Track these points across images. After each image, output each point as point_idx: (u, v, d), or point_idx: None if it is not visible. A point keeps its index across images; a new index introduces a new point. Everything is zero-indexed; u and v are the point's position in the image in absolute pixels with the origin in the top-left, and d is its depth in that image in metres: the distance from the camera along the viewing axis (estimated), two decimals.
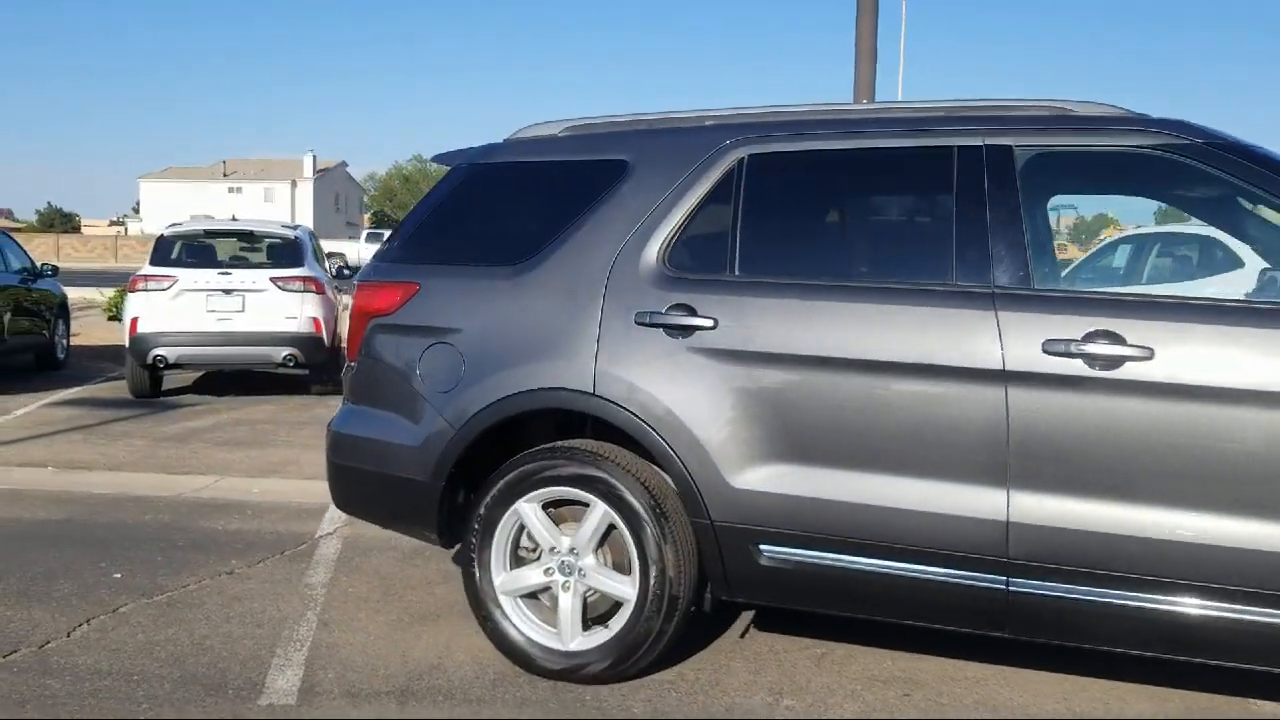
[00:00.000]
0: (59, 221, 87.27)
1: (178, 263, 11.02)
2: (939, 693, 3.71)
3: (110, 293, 17.17)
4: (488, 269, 3.94)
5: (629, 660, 3.64)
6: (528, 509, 3.76)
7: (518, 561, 3.85)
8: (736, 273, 3.62)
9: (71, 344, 14.01)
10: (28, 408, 10.18)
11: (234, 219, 12.43)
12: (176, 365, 10.71)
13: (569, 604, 3.72)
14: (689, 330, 3.57)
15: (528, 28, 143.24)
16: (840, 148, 3.64)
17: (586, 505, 3.71)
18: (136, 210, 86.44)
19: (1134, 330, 3.11)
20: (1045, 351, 3.17)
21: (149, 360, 10.47)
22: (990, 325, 3.23)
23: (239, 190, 78.19)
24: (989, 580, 3.25)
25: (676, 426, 3.54)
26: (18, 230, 57.61)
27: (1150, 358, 3.08)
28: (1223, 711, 3.64)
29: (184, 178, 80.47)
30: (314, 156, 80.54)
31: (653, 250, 3.71)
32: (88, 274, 31.50)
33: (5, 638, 4.11)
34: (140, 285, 10.65)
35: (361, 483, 4.20)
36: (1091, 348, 3.13)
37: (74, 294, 15.26)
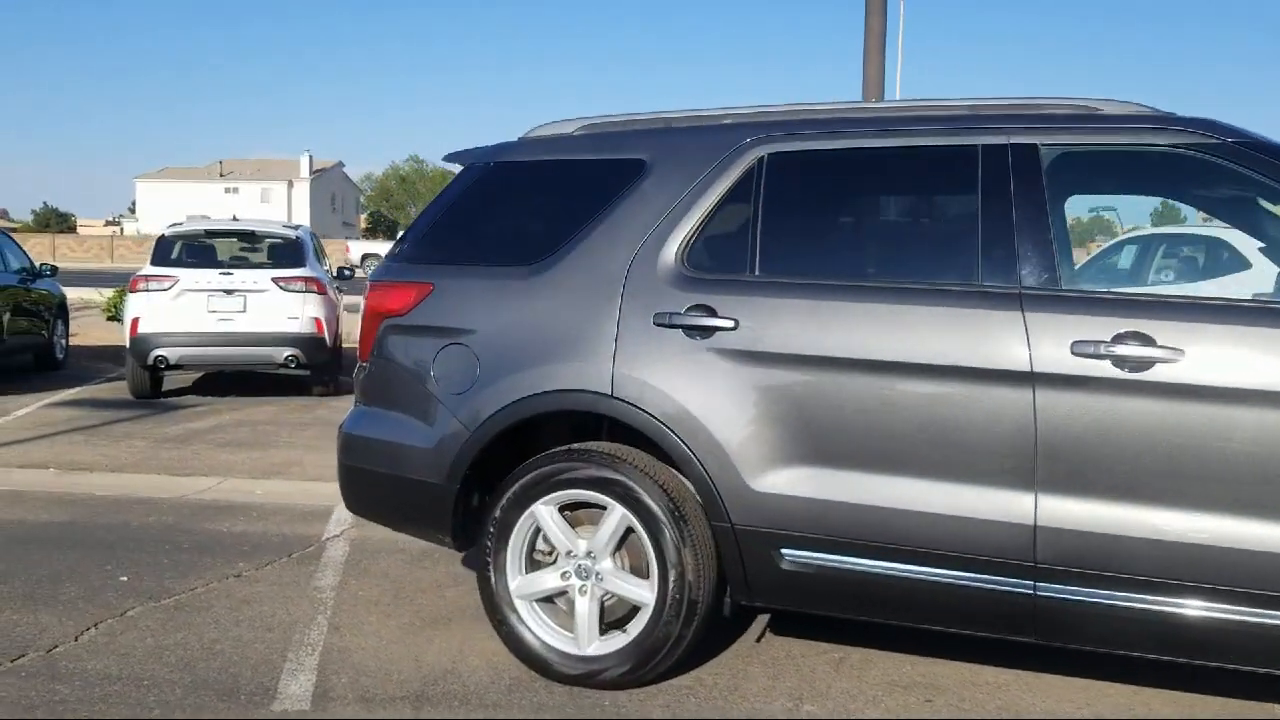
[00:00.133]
0: (55, 221, 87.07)
1: (178, 263, 10.96)
2: (960, 698, 3.67)
3: (109, 293, 17.10)
4: (503, 269, 3.89)
5: (648, 665, 3.59)
6: (544, 512, 3.71)
7: (533, 565, 3.81)
8: (757, 273, 3.57)
9: (70, 344, 13.94)
10: (28, 408, 10.12)
11: (235, 219, 12.37)
12: (177, 366, 10.65)
13: (586, 608, 3.67)
14: (709, 331, 3.52)
15: (526, 28, 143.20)
16: (862, 146, 3.59)
17: (604, 508, 3.66)
18: (133, 210, 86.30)
19: (1164, 331, 3.07)
20: (1074, 353, 3.13)
21: (150, 361, 10.41)
22: (1018, 326, 3.19)
23: (235, 190, 78.08)
24: (1015, 585, 3.20)
25: (696, 429, 3.49)
26: (13, 230, 57.40)
27: (1181, 359, 3.04)
28: (1246, 716, 3.60)
29: (180, 178, 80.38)
30: (310, 157, 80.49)
31: (671, 250, 3.66)
32: (84, 274, 31.42)
33: (12, 642, 4.05)
34: (141, 285, 10.58)
35: (373, 485, 4.15)
36: (1121, 349, 3.09)
37: (71, 294, 15.18)
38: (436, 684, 3.73)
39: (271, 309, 10.55)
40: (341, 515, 6.14)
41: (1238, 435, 3.01)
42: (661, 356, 3.56)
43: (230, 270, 10.79)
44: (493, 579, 3.78)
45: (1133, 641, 3.16)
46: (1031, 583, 3.18)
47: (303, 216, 70.01)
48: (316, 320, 10.70)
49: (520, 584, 3.77)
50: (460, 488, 3.83)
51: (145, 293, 10.52)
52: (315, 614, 4.44)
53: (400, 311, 4.00)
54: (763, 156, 3.66)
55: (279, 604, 4.57)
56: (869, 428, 3.34)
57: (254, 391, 11.46)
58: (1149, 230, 9.05)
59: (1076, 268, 5.54)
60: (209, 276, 10.60)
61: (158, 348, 10.37)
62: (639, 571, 3.65)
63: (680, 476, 3.63)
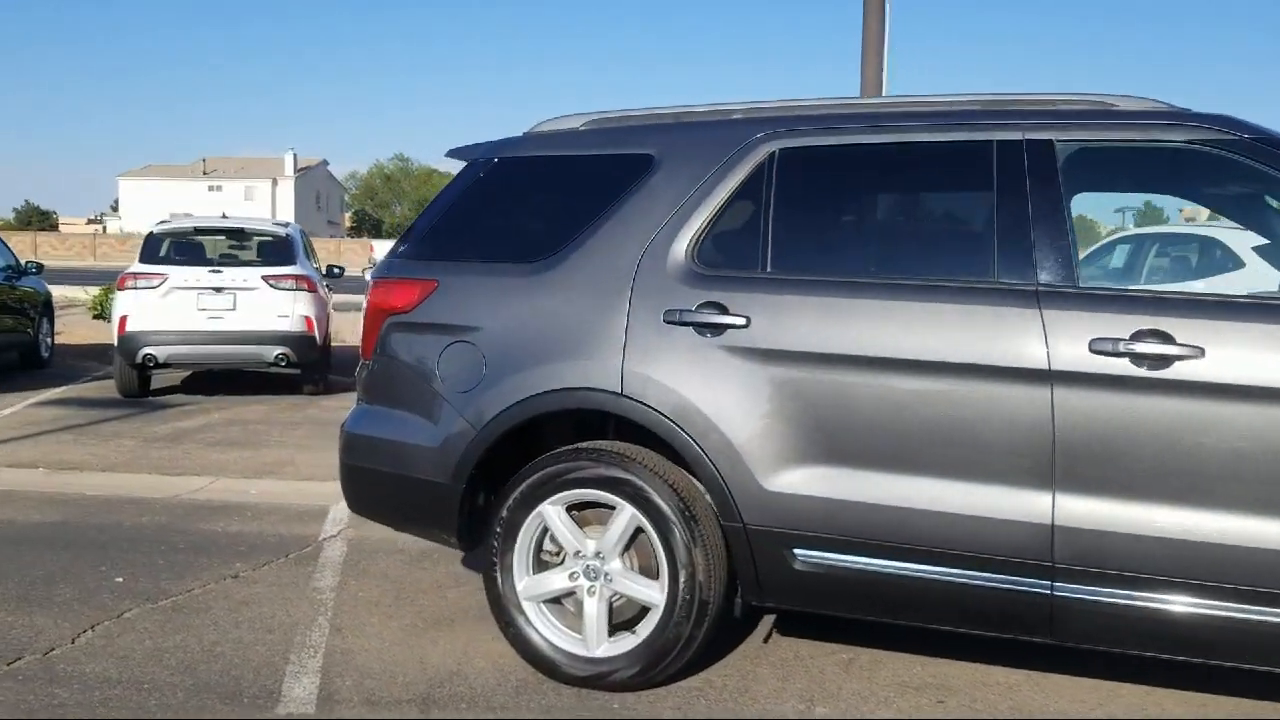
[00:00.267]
0: (36, 219, 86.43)
1: (167, 260, 10.86)
2: (972, 699, 3.64)
3: (94, 291, 16.95)
4: (509, 265, 3.84)
5: (658, 666, 3.55)
6: (552, 512, 3.67)
7: (540, 566, 3.76)
8: (769, 269, 3.53)
9: (55, 343, 13.80)
10: (14, 407, 10.00)
11: (224, 216, 12.26)
12: (166, 365, 10.54)
13: (595, 609, 3.62)
14: (720, 329, 3.48)
15: (517, 27, 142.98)
16: (873, 142, 3.55)
17: (612, 508, 3.62)
18: (115, 208, 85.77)
19: (1183, 329, 3.04)
20: (1092, 351, 3.10)
21: (138, 359, 10.31)
22: (1035, 324, 3.15)
23: (219, 188, 77.67)
24: (1032, 585, 3.17)
25: (707, 427, 3.45)
26: None
27: (1200, 357, 3.01)
28: (1259, 716, 3.58)
29: (164, 175, 79.93)
30: (295, 155, 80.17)
31: (681, 247, 3.61)
32: (66, 272, 31.14)
33: (8, 644, 3.98)
34: (129, 283, 10.47)
35: (376, 484, 4.09)
36: (1140, 347, 3.06)
37: (55, 292, 15.00)
38: (442, 686, 3.68)
39: (262, 307, 10.45)
40: (338, 515, 6.09)
41: (1259, 434, 2.98)
42: (672, 354, 3.52)
43: (220, 268, 10.68)
44: (499, 580, 3.73)
45: (1151, 642, 3.13)
46: (1049, 583, 3.15)
47: (287, 215, 69.67)
48: (307, 319, 10.60)
49: (527, 585, 3.72)
50: (466, 487, 3.77)
51: (134, 290, 10.41)
52: (316, 615, 4.38)
53: (404, 309, 3.94)
54: (774, 152, 3.62)
55: (278, 605, 4.50)
56: (883, 426, 3.31)
57: (243, 390, 11.37)
58: (1141, 230, 9.06)
59: None
60: (198, 274, 10.50)
61: (146, 346, 10.26)
62: (648, 572, 3.60)
63: (689, 476, 3.59)
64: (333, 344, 11.73)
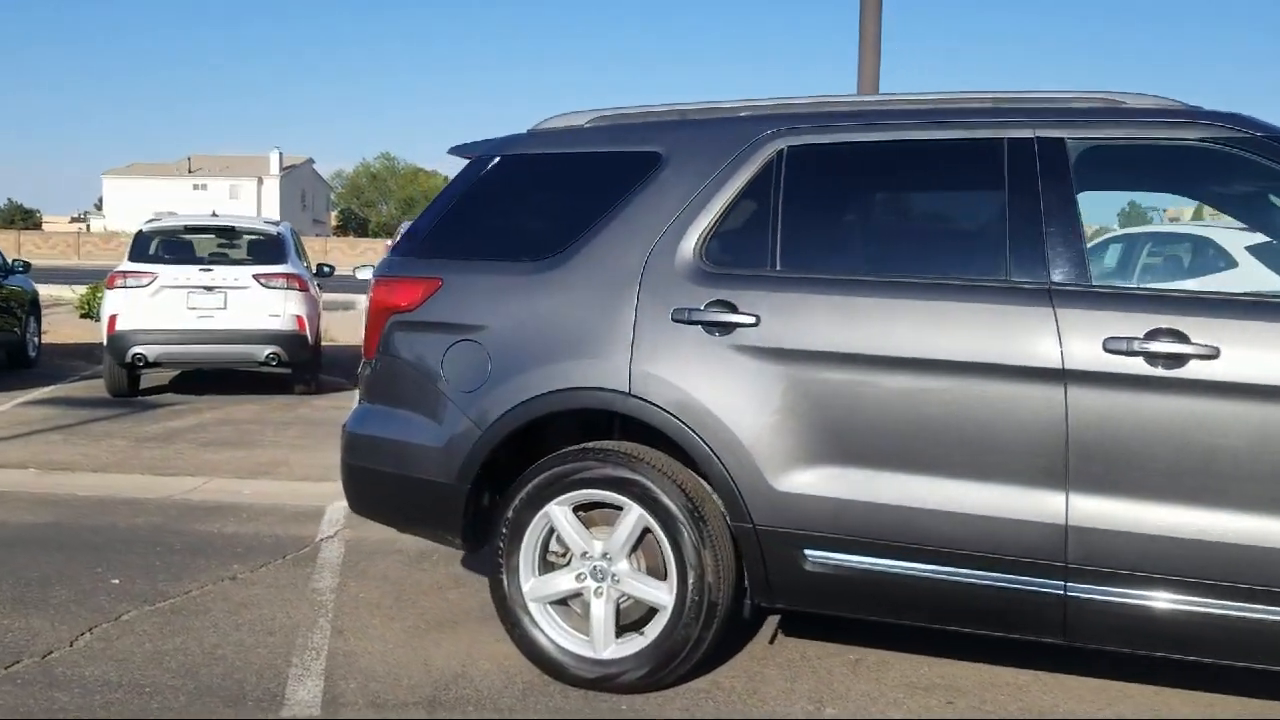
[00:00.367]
0: (20, 218, 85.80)
1: (157, 259, 10.78)
2: (981, 699, 3.62)
3: (81, 289, 16.81)
4: (514, 264, 3.80)
5: (666, 668, 3.52)
6: (558, 512, 3.63)
7: (546, 567, 3.72)
8: (778, 268, 3.50)
9: (42, 342, 13.69)
10: (2, 407, 9.91)
11: (214, 215, 12.16)
12: (156, 364, 10.45)
13: (602, 610, 3.59)
14: (729, 328, 3.45)
15: (504, 27, 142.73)
16: (883, 139, 3.53)
17: (619, 509, 3.58)
18: (99, 207, 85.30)
19: (1198, 328, 3.03)
20: (1106, 350, 3.08)
21: (128, 359, 10.22)
22: (1048, 323, 3.14)
23: (204, 187, 77.34)
24: (1046, 585, 3.15)
25: (717, 427, 3.42)
26: None
27: (1215, 356, 3.00)
28: (1268, 715, 3.57)
29: (148, 174, 79.51)
30: (280, 153, 79.85)
31: (689, 245, 3.58)
32: (51, 271, 30.91)
33: (6, 648, 3.92)
34: (119, 282, 10.38)
35: (379, 485, 4.05)
36: (1154, 346, 3.04)
37: (40, 291, 14.88)
38: (448, 689, 3.64)
39: (253, 306, 10.38)
40: (334, 516, 6.04)
41: (1274, 433, 2.96)
42: (680, 353, 3.49)
43: (210, 267, 10.61)
44: (505, 581, 3.69)
45: (1165, 643, 3.12)
46: (1062, 583, 3.13)
47: (272, 213, 69.36)
48: (298, 318, 10.54)
49: (534, 586, 3.68)
50: (471, 488, 3.73)
51: (123, 289, 10.32)
52: (316, 617, 4.33)
53: (408, 307, 3.90)
54: (782, 149, 3.59)
55: (278, 607, 4.45)
56: (895, 426, 3.28)
57: (233, 390, 11.29)
58: (1133, 229, 9.07)
59: None
60: (189, 273, 10.42)
61: (136, 345, 10.17)
62: (655, 573, 3.57)
63: (698, 476, 3.56)
64: (323, 343, 11.65)
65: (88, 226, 78.23)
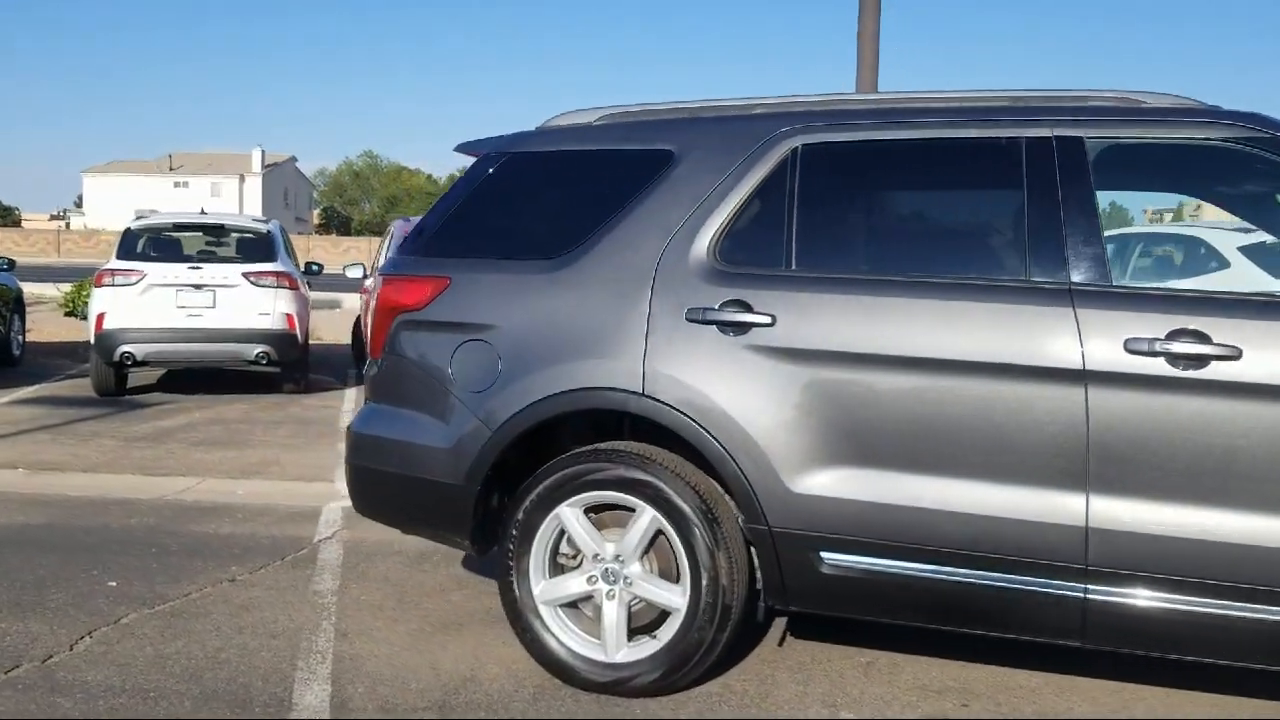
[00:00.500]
0: None
1: (145, 257, 10.64)
2: (996, 703, 3.59)
3: (66, 287, 16.64)
4: (524, 262, 3.75)
5: (680, 671, 3.48)
6: (570, 514, 3.59)
7: (557, 569, 3.68)
8: (793, 267, 3.47)
9: (26, 340, 13.54)
10: None
11: (203, 212, 12.04)
12: (145, 363, 10.33)
13: (614, 613, 3.55)
14: (745, 327, 3.41)
15: (489, 26, 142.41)
16: (898, 138, 3.49)
17: (631, 510, 3.54)
18: (79, 204, 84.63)
19: (1220, 329, 3.01)
20: (1127, 350, 3.06)
21: (116, 357, 10.10)
22: (1069, 323, 3.11)
23: (185, 185, 76.88)
24: (1066, 588, 3.12)
25: (732, 428, 3.38)
26: None
27: (1238, 357, 2.98)
28: None
29: (129, 171, 78.93)
30: (263, 151, 79.44)
31: (702, 244, 3.54)
32: (31, 269, 30.58)
33: (4, 652, 3.85)
34: (107, 279, 10.26)
35: (384, 485, 4.00)
36: (1176, 346, 3.02)
37: (24, 289, 14.73)
38: (458, 693, 3.59)
39: (242, 304, 10.28)
40: (330, 517, 5.98)
41: None
42: (695, 353, 3.45)
43: (200, 265, 10.50)
44: (515, 584, 3.65)
45: (1186, 646, 3.10)
46: (1082, 586, 3.11)
47: (255, 211, 69.05)
48: (288, 316, 10.44)
49: (544, 589, 3.64)
50: (481, 489, 3.69)
51: (111, 287, 10.20)
52: (319, 620, 4.28)
53: (416, 306, 3.85)
54: (797, 147, 3.55)
55: (279, 609, 4.39)
56: (913, 427, 3.25)
57: (222, 389, 11.18)
58: (1125, 230, 9.08)
59: None
60: (177, 271, 10.31)
61: (124, 344, 10.05)
62: (668, 575, 3.53)
63: (711, 478, 3.52)
64: (310, 342, 11.56)
65: (67, 224, 77.55)
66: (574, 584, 3.62)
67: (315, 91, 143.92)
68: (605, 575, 3.56)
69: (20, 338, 13.02)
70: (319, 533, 5.66)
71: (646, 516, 3.50)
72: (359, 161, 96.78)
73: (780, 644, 4.09)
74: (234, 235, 11.48)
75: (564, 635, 3.63)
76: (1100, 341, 3.08)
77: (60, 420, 9.10)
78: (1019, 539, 3.14)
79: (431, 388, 3.81)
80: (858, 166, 3.59)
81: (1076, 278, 3.17)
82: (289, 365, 10.72)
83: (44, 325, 16.83)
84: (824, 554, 3.34)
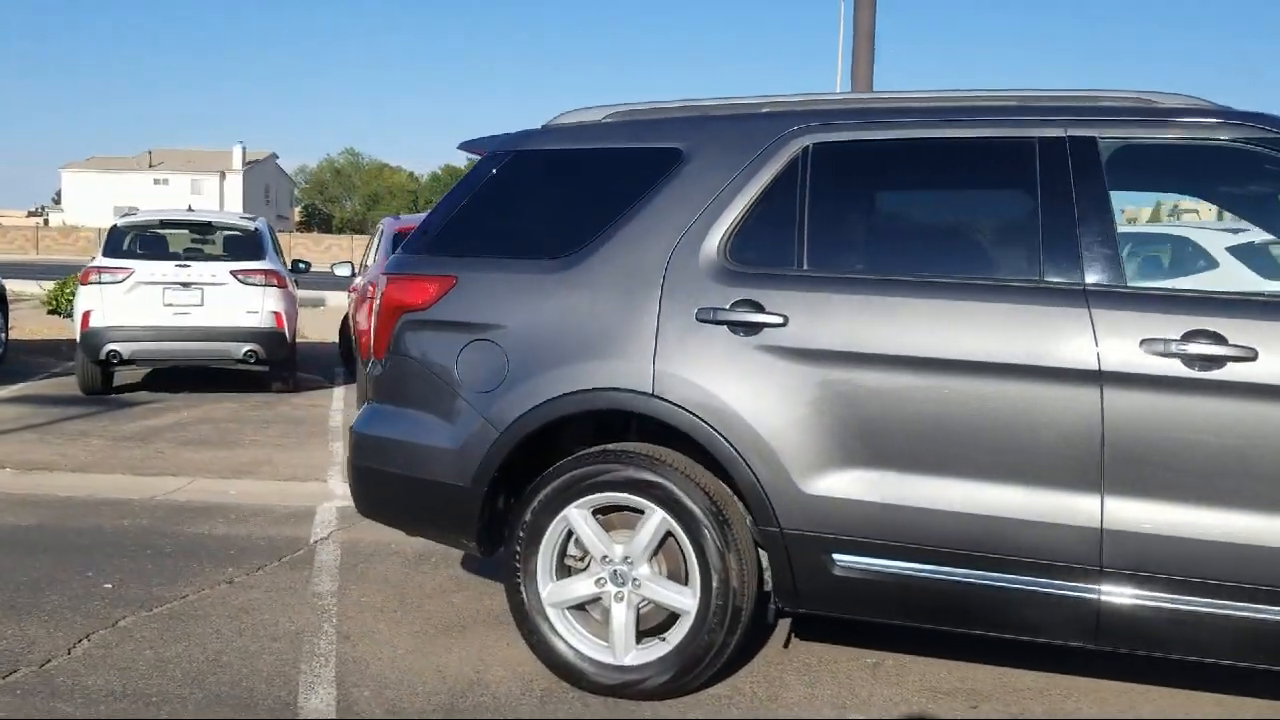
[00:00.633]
0: None
1: (131, 254, 10.55)
2: (1006, 704, 3.58)
3: (49, 285, 16.48)
4: (532, 261, 3.72)
5: (690, 674, 3.45)
6: (578, 515, 3.56)
7: (564, 571, 3.65)
8: (805, 267, 3.44)
9: (8, 338, 13.40)
10: None
11: (190, 209, 11.93)
12: (131, 361, 10.24)
13: (623, 616, 3.52)
14: (756, 328, 3.39)
15: (467, 23, 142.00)
16: (910, 137, 3.47)
17: (639, 512, 3.52)
18: (57, 201, 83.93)
19: (1236, 330, 3.00)
20: (1143, 351, 3.05)
21: (102, 356, 10.01)
22: (1084, 324, 3.10)
23: (165, 182, 76.37)
24: (1080, 590, 3.11)
25: (744, 429, 3.36)
26: None
27: (1254, 359, 2.97)
28: None
29: (108, 168, 78.38)
30: (243, 148, 79.00)
31: (713, 243, 3.52)
32: (9, 266, 30.32)
33: (2, 656, 3.79)
34: (93, 277, 10.15)
35: (387, 486, 3.95)
36: (1191, 348, 3.01)
37: (6, 286, 14.58)
38: (465, 696, 3.56)
39: (230, 303, 10.20)
40: (325, 517, 5.94)
41: None
42: (705, 354, 3.43)
43: (187, 263, 10.40)
44: (522, 586, 3.61)
45: (1201, 647, 3.09)
46: (1097, 587, 3.10)
47: (236, 208, 68.66)
48: (276, 314, 10.37)
49: (551, 591, 3.61)
50: (488, 490, 3.65)
51: (98, 285, 10.09)
52: (320, 622, 4.23)
53: (421, 305, 3.81)
54: (808, 146, 3.53)
55: (279, 612, 4.35)
56: (926, 428, 3.23)
57: (209, 388, 11.10)
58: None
59: None
60: (165, 269, 10.21)
61: (111, 342, 9.96)
62: (677, 577, 3.51)
63: (720, 479, 3.50)
64: (296, 340, 11.48)
65: (46, 221, 76.89)
66: (582, 586, 3.59)
67: (296, 88, 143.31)
68: (614, 577, 3.54)
69: (3, 335, 12.89)
70: (314, 533, 5.60)
71: (656, 518, 3.47)
72: (340, 159, 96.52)
73: (785, 645, 4.07)
74: (221, 233, 11.40)
75: (572, 638, 3.60)
76: (1116, 342, 3.07)
77: (46, 419, 9.01)
78: (1032, 540, 3.13)
79: (437, 388, 3.77)
80: (869, 166, 3.57)
81: (1091, 278, 3.16)
82: (277, 364, 10.64)
83: (25, 323, 16.67)
84: (836, 556, 3.32)
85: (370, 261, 11.59)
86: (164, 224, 11.28)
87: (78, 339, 10.19)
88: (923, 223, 3.82)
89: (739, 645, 3.50)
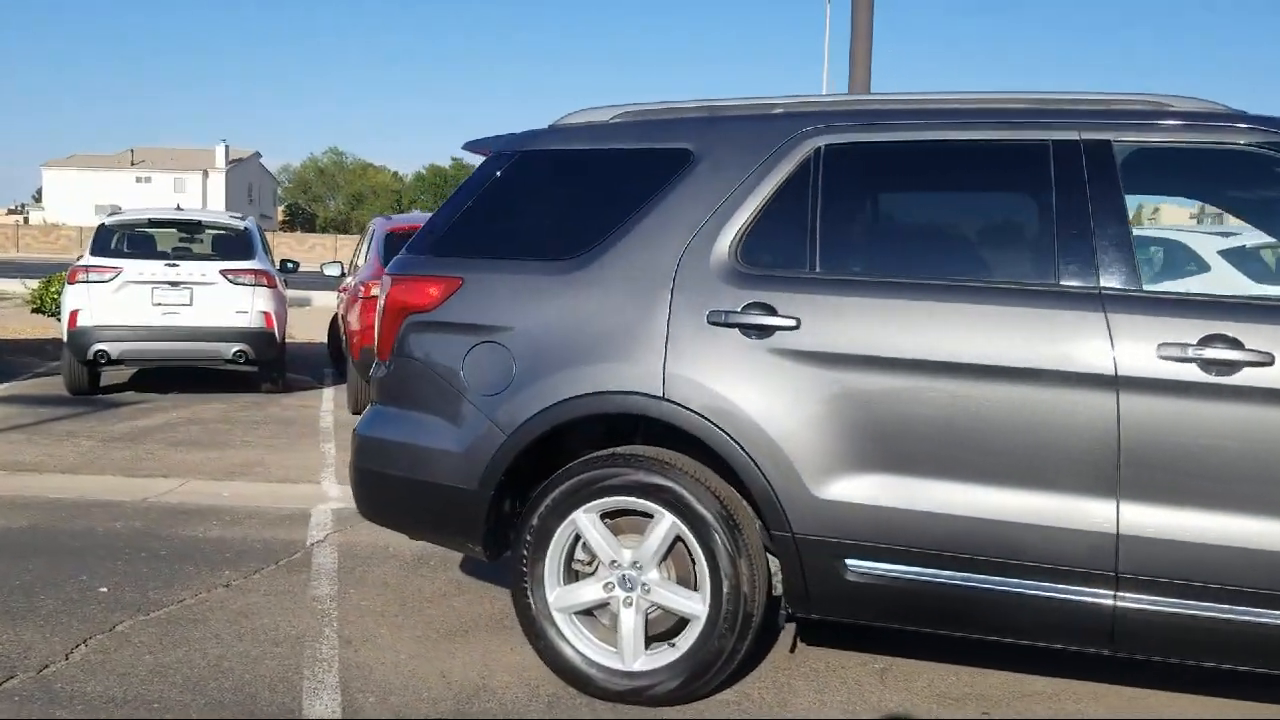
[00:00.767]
0: None
1: (119, 253, 10.46)
2: (1015, 710, 3.57)
3: (33, 283, 16.33)
4: (540, 263, 3.67)
5: (700, 680, 3.42)
6: (586, 520, 3.52)
7: (572, 576, 3.61)
8: (818, 269, 3.41)
9: None
10: None
11: (179, 208, 11.83)
12: (119, 361, 10.14)
13: (631, 621, 3.48)
14: (768, 330, 3.36)
15: (452, 23, 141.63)
16: (923, 139, 3.45)
17: (648, 516, 3.48)
18: (38, 199, 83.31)
19: (1252, 335, 2.99)
20: (1159, 356, 3.03)
21: (90, 355, 9.91)
22: (1100, 328, 3.08)
23: (148, 180, 75.88)
24: (1095, 595, 3.09)
25: (755, 433, 3.33)
26: None
27: (1270, 363, 2.96)
28: None
29: (90, 166, 77.83)
30: (226, 146, 78.60)
31: (724, 245, 3.48)
32: None
33: None
34: (81, 276, 10.05)
35: (391, 489, 3.90)
36: (1208, 352, 3.00)
37: None
38: (471, 702, 3.52)
39: (219, 302, 10.12)
40: (321, 519, 5.88)
41: None
42: (717, 357, 3.39)
43: (176, 262, 10.31)
44: (529, 591, 3.57)
45: (1218, 653, 3.07)
46: (1112, 593, 3.08)
47: (219, 207, 68.26)
48: (266, 314, 10.29)
49: (559, 596, 3.57)
50: (494, 494, 3.61)
51: (85, 284, 10.00)
52: (321, 626, 4.18)
53: (426, 307, 3.76)
54: (820, 148, 3.50)
55: (279, 616, 4.29)
56: (940, 433, 3.21)
57: (198, 388, 11.01)
58: None
59: None
60: (153, 268, 10.12)
61: (99, 342, 9.87)
62: (686, 582, 3.48)
63: (731, 484, 3.47)
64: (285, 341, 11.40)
65: (26, 219, 76.32)
66: (590, 591, 3.56)
67: (280, 87, 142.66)
68: (622, 582, 3.50)
69: None
70: (311, 536, 5.55)
71: (666, 523, 3.44)
72: (324, 158, 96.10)
73: (792, 650, 4.04)
74: (210, 232, 11.31)
75: (579, 643, 3.56)
76: (1132, 347, 3.05)
77: (33, 420, 8.91)
78: (1049, 546, 3.10)
79: (442, 390, 3.73)
80: (881, 167, 3.55)
81: (1107, 282, 3.14)
82: (267, 364, 10.57)
83: (8, 322, 16.54)
84: (850, 561, 3.29)
85: (361, 261, 11.51)
86: (152, 223, 11.19)
87: (64, 338, 10.09)
88: (934, 225, 3.79)
89: (749, 651, 3.47)
